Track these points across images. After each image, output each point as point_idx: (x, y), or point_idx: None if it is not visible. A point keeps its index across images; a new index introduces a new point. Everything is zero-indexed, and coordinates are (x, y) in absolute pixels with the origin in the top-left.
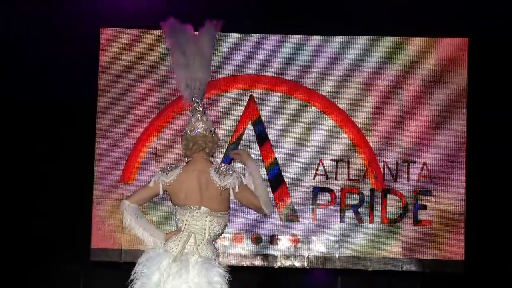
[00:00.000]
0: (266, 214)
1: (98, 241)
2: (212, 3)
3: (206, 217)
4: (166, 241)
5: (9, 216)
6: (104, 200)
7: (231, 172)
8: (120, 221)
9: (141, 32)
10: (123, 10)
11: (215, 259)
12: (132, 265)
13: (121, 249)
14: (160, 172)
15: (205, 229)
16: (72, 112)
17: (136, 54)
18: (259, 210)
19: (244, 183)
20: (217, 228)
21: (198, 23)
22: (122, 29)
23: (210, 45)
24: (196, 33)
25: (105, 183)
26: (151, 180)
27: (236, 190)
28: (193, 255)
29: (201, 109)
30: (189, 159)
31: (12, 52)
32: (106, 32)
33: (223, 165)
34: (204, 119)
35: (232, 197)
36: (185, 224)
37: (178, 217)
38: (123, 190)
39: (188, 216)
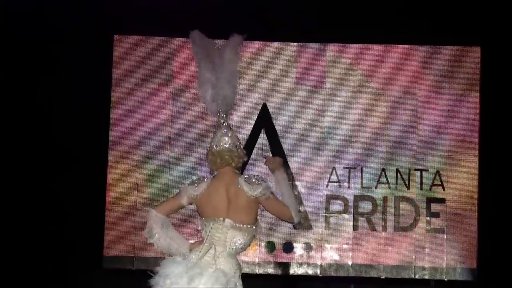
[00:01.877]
0: (294, 223)
1: (110, 248)
2: (224, 12)
3: (228, 229)
4: (190, 250)
5: (21, 223)
6: (117, 207)
7: (261, 182)
8: (133, 229)
9: (154, 39)
10: (137, 17)
11: (234, 273)
12: (144, 272)
13: (133, 257)
14: (188, 185)
15: (226, 241)
16: (85, 120)
17: (149, 61)
18: (288, 219)
19: (273, 193)
20: (239, 241)
21: (209, 31)
22: (135, 36)
23: (235, 58)
24: (220, 46)
25: (118, 190)
26: (179, 192)
27: (267, 199)
28: (210, 267)
29: (226, 123)
30: (215, 173)
31: (25, 59)
32: (119, 40)
33: (253, 175)
34: (230, 134)
35: (261, 205)
36: (207, 235)
37: (203, 227)
38: (136, 197)
39: (211, 227)
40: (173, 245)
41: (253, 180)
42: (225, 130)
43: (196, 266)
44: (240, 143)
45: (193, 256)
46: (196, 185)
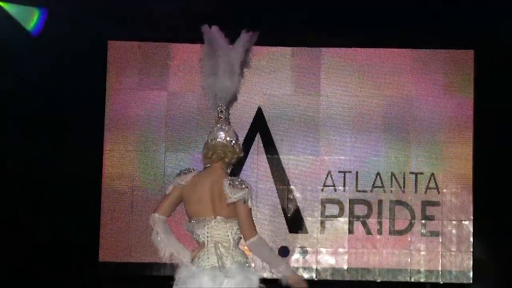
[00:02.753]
0: (245, 243)
1: (105, 254)
2: (219, 17)
3: (225, 224)
4: (192, 259)
5: (16, 228)
6: (112, 212)
7: (243, 186)
8: (128, 234)
9: (148, 45)
10: (131, 22)
11: (246, 261)
12: (139, 278)
13: (129, 263)
14: (176, 176)
15: (228, 235)
16: (80, 125)
17: (144, 66)
18: (245, 236)
19: (251, 203)
20: (238, 231)
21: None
22: (129, 41)
23: (242, 56)
24: (230, 43)
25: (114, 195)
26: (169, 187)
27: (241, 204)
28: (227, 264)
29: (224, 118)
30: (206, 166)
31: (21, 65)
32: (113, 45)
33: (238, 178)
34: (226, 129)
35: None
36: (207, 237)
37: (196, 232)
38: (132, 202)
39: (208, 228)
40: (174, 253)
41: (236, 183)
42: (222, 125)
43: (222, 268)
44: (237, 138)
45: (204, 262)
46: (183, 175)
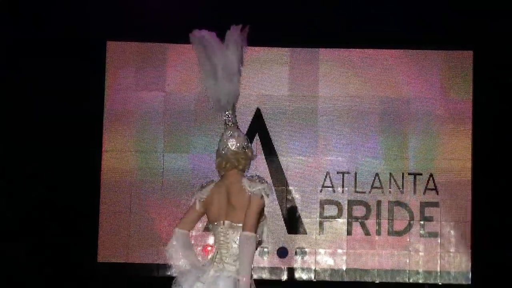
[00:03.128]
0: (242, 231)
1: (104, 254)
2: (216, 18)
3: (231, 230)
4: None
5: (15, 228)
6: (111, 213)
7: (263, 181)
8: (127, 234)
9: (147, 45)
10: (130, 22)
11: (238, 275)
12: (138, 278)
13: (128, 263)
14: (198, 190)
15: (228, 242)
16: (79, 124)
17: (142, 67)
18: (246, 226)
19: (267, 200)
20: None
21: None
22: (128, 42)
23: (237, 54)
24: (222, 42)
25: (112, 195)
26: (193, 201)
27: (257, 197)
28: (214, 270)
29: (231, 124)
30: (222, 174)
31: (18, 65)
32: (112, 46)
33: (257, 176)
34: (236, 135)
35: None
36: (215, 242)
37: (213, 237)
38: (130, 203)
39: (216, 233)
40: (185, 264)
41: (255, 179)
42: (231, 132)
43: (204, 273)
44: (247, 142)
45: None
46: (203, 189)
